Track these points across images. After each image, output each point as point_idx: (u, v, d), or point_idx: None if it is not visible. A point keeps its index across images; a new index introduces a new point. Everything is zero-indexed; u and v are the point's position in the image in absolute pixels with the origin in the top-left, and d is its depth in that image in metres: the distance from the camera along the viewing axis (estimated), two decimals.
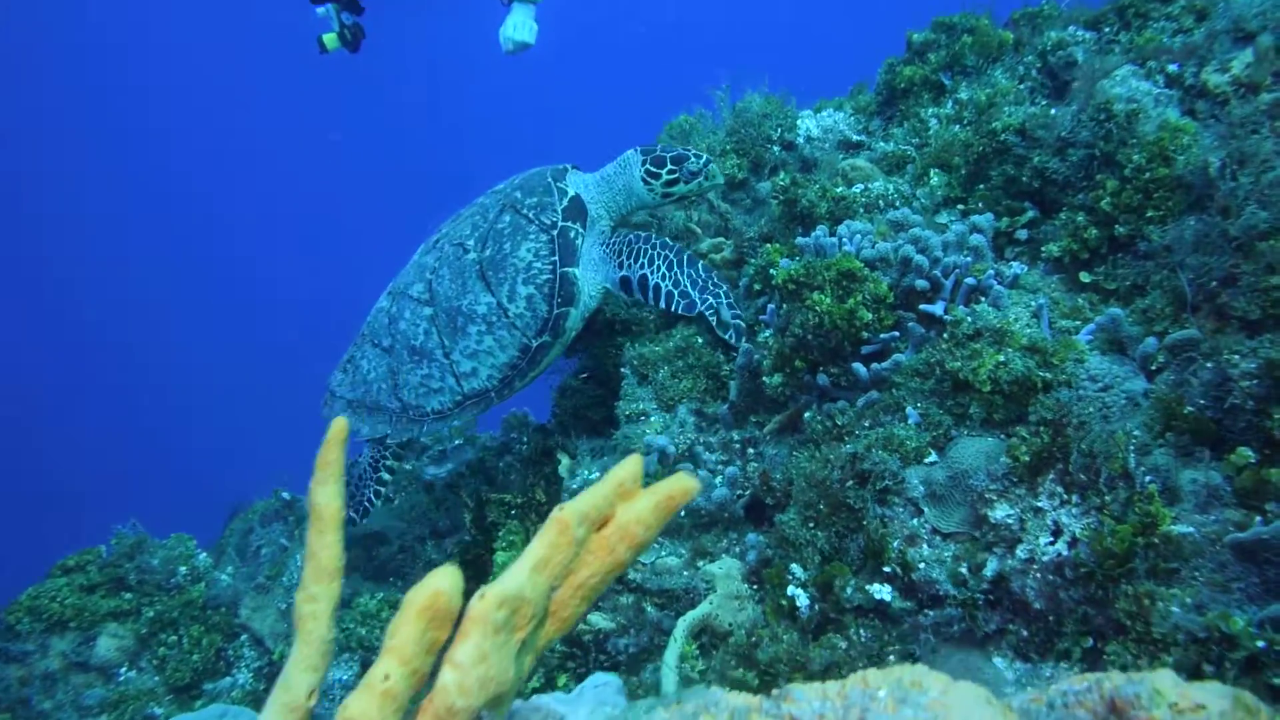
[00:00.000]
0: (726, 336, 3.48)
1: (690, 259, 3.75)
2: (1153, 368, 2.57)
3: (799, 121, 4.33)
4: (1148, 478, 2.27)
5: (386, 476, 4.54)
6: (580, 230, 3.96)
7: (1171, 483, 2.27)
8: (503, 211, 4.01)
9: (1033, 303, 2.88)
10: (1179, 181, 2.74)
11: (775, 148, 4.73)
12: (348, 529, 4.91)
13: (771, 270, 3.40)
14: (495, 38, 6.78)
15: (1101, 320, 2.68)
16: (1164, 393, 2.41)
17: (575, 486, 3.56)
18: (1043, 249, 3.05)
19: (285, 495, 6.22)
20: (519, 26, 6.53)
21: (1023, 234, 3.17)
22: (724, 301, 3.55)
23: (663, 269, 3.78)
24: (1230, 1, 3.29)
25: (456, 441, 7.65)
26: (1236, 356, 2.33)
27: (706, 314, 3.55)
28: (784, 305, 3.06)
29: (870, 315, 2.89)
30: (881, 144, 3.80)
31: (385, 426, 4.27)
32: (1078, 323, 2.79)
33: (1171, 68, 3.35)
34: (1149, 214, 2.78)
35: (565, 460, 3.67)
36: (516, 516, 3.69)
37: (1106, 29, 3.66)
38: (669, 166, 3.86)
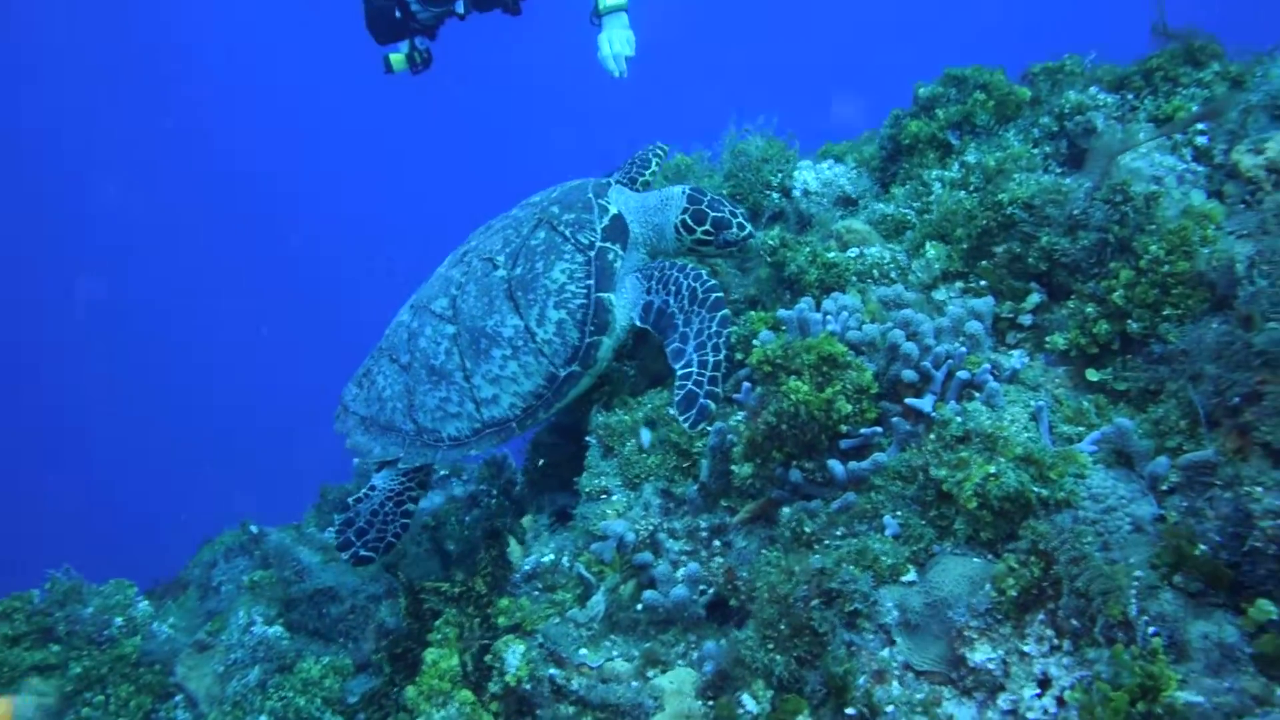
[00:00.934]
0: (680, 415, 3.15)
1: (716, 303, 3.40)
2: (1164, 488, 2.28)
3: (796, 173, 4.06)
4: (1151, 629, 1.97)
5: (412, 508, 4.13)
6: (620, 253, 3.66)
7: (1179, 636, 1.98)
8: (538, 227, 3.71)
9: (1032, 403, 2.59)
10: (1201, 278, 2.45)
11: (774, 194, 4.45)
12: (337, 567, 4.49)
13: (754, 341, 3.13)
14: (588, 58, 6.11)
15: (1108, 430, 2.39)
16: (1175, 527, 2.11)
17: (527, 569, 3.28)
18: (1047, 339, 2.76)
19: (253, 529, 5.97)
20: (620, 41, 5.83)
21: (1026, 319, 2.88)
22: (707, 374, 3.23)
23: (685, 300, 3.47)
24: (1269, 72, 3.00)
25: (441, 472, 7.40)
26: (1259, 489, 2.04)
27: (677, 380, 3.25)
28: (759, 387, 2.78)
29: (851, 407, 2.61)
30: (881, 205, 3.52)
31: (398, 449, 3.95)
32: (1081, 429, 2.50)
33: (1200, 140, 3.07)
34: (1166, 312, 2.49)
35: (514, 546, 3.39)
36: (455, 606, 3.41)
37: (1130, 94, 3.37)
38: (706, 227, 3.59)
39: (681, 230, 3.64)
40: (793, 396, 2.60)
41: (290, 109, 40.30)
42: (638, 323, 3.59)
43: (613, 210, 3.73)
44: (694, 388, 3.20)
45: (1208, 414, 2.30)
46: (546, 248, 3.64)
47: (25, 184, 33.73)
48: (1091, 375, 2.64)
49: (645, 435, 3.30)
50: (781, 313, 2.99)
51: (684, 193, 3.67)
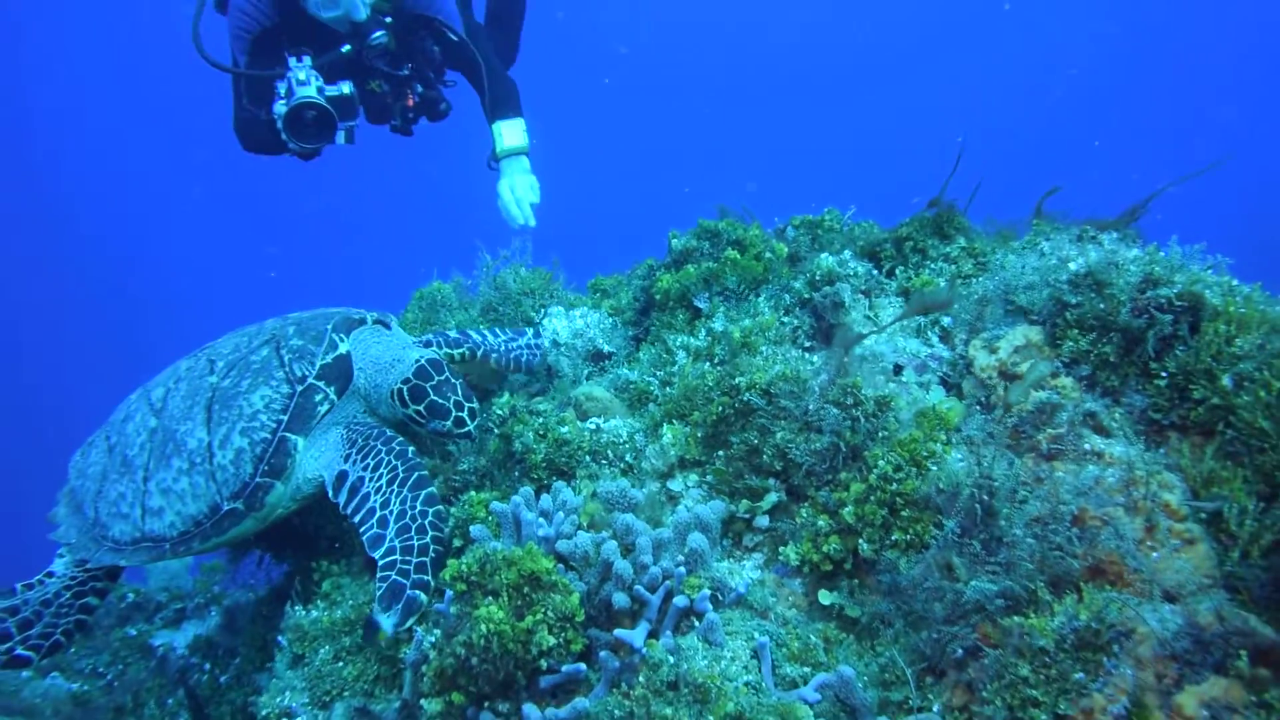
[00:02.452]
0: (383, 612, 2.67)
1: (419, 482, 2.99)
2: None
3: (546, 320, 3.74)
4: None
5: (94, 602, 3.53)
6: (330, 398, 3.26)
7: None
8: (267, 343, 3.35)
9: (756, 635, 2.28)
10: (929, 501, 2.23)
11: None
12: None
13: (471, 528, 2.73)
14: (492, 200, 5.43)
15: (829, 679, 2.10)
16: None
17: None
18: (781, 550, 2.49)
19: None
20: (524, 186, 5.26)
21: (763, 521, 2.60)
22: (413, 560, 2.79)
23: (382, 480, 3.04)
24: (1004, 261, 2.91)
25: (198, 599, 6.58)
26: None
27: (379, 571, 2.79)
28: (454, 607, 2.37)
29: (554, 640, 2.23)
30: (625, 371, 3.22)
31: (74, 533, 3.51)
32: (808, 670, 2.21)
33: (946, 320, 2.93)
34: (895, 536, 2.25)
35: None
36: None
37: (885, 261, 3.23)
38: (419, 408, 3.20)
39: (397, 400, 3.25)
40: (484, 627, 2.20)
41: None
42: (329, 488, 3.16)
43: (342, 349, 3.34)
44: (398, 578, 2.73)
45: (932, 664, 2.06)
46: (261, 368, 3.28)
47: None
48: (824, 598, 2.38)
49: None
50: (495, 505, 2.61)
51: (416, 361, 3.27)
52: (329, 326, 3.38)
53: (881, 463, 2.31)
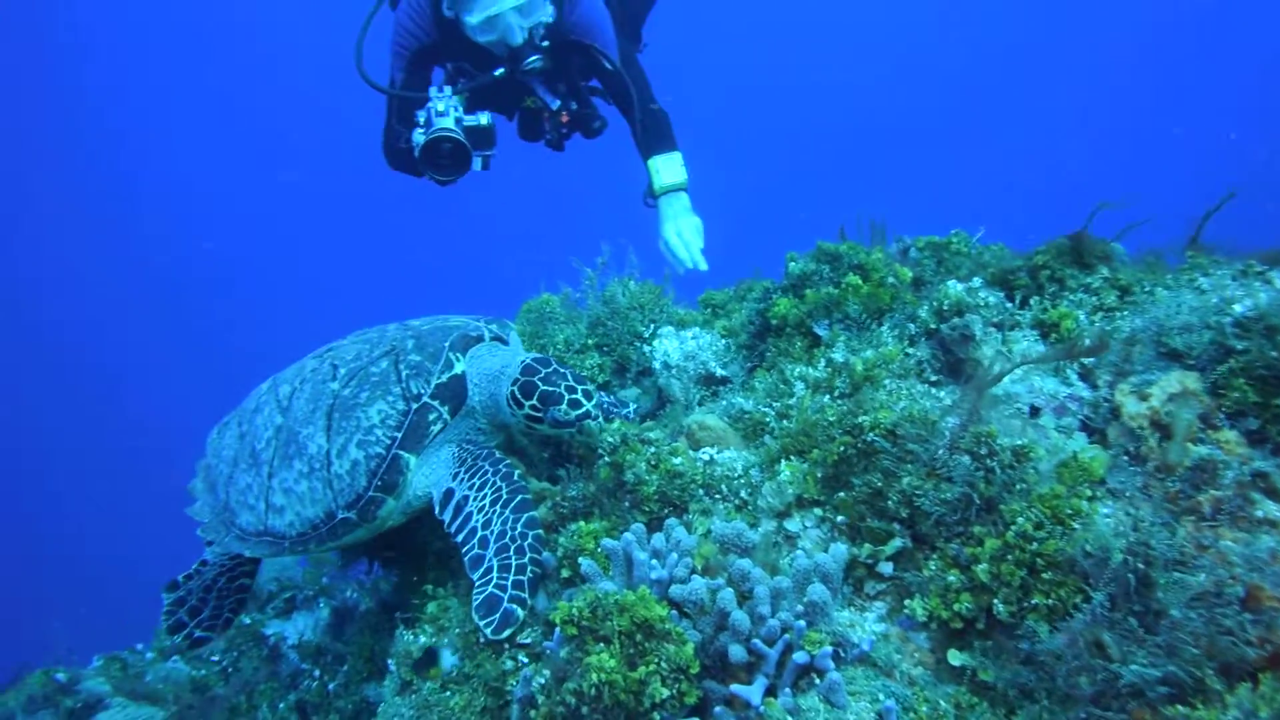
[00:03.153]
0: (481, 620, 2.68)
1: (521, 505, 2.98)
2: None
3: (656, 341, 3.65)
4: None
5: (247, 582, 3.92)
6: (444, 417, 3.27)
7: None
8: (386, 355, 3.39)
9: (881, 697, 2.16)
10: (1073, 565, 2.06)
11: (646, 346, 4.06)
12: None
13: (580, 560, 2.68)
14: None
15: None
16: None
17: None
18: (907, 603, 2.35)
19: (60, 676, 5.26)
20: (690, 230, 5.01)
21: (887, 568, 2.46)
22: (510, 577, 2.77)
23: (485, 500, 3.05)
24: (1155, 298, 2.70)
25: (308, 591, 6.75)
26: None
27: (476, 586, 2.79)
28: (564, 650, 2.31)
29: (667, 692, 2.15)
30: (740, 399, 3.11)
31: (207, 513, 3.70)
32: None
33: (1088, 359, 2.73)
34: (1035, 600, 2.09)
35: None
36: None
37: (1018, 290, 3.04)
38: (533, 402, 3.19)
39: (512, 403, 3.25)
40: (595, 676, 2.13)
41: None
42: (436, 505, 3.18)
43: (458, 369, 3.35)
44: (496, 591, 2.74)
45: None
46: (379, 381, 3.31)
47: None
48: (954, 659, 2.23)
49: (447, 658, 2.81)
50: (606, 543, 2.54)
51: (522, 362, 3.27)
52: (446, 344, 3.38)
53: (1020, 519, 2.15)
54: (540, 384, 3.18)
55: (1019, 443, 2.31)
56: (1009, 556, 2.14)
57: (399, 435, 3.21)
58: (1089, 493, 2.21)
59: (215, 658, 5.98)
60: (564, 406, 3.13)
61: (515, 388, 3.22)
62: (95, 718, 4.98)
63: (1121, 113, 37.06)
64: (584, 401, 3.15)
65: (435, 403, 3.27)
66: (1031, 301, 2.99)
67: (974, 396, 2.39)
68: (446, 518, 3.12)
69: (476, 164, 5.02)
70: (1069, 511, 2.13)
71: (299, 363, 3.79)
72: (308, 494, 3.29)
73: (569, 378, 3.20)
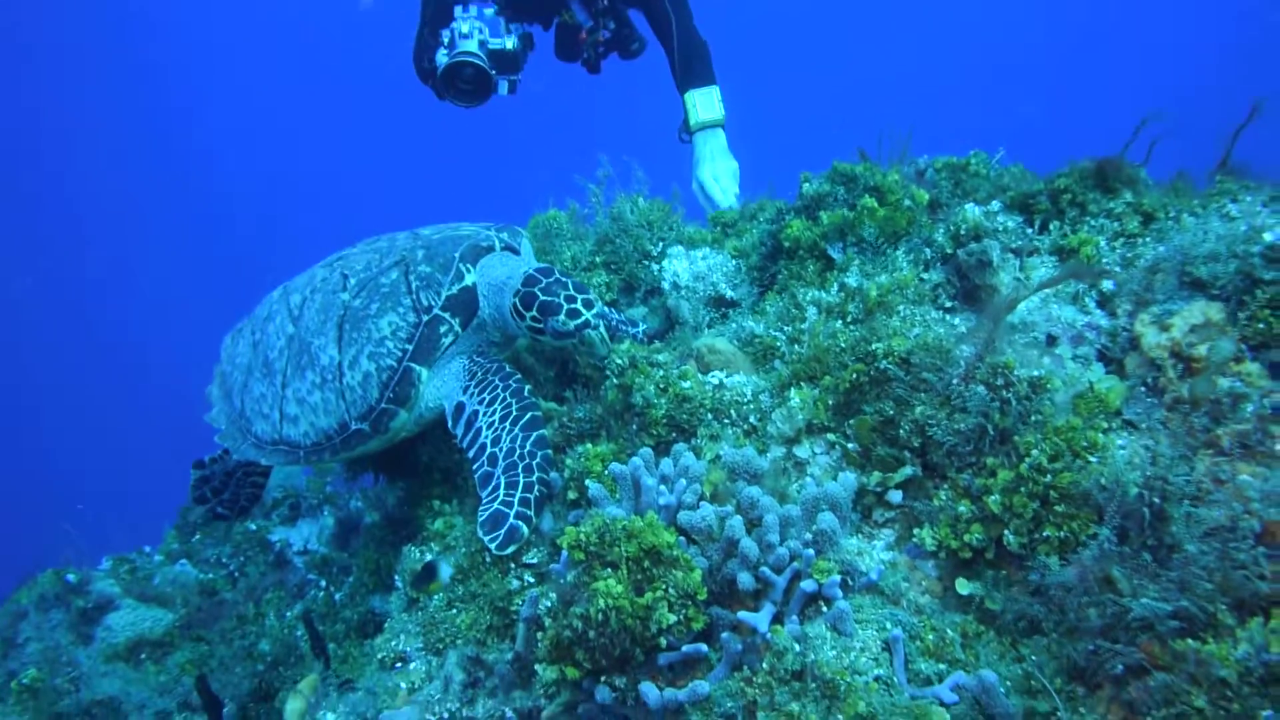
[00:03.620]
0: (486, 536, 2.71)
1: (531, 422, 3.00)
2: None
3: (666, 262, 3.58)
4: None
5: (260, 480, 4.25)
6: (455, 329, 3.27)
7: None
8: (396, 265, 3.36)
9: (888, 626, 2.16)
10: (1088, 498, 2.04)
11: (654, 265, 3.99)
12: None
13: (587, 482, 2.67)
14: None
15: (968, 682, 1.97)
16: None
17: None
18: (916, 532, 2.34)
19: (70, 577, 5.34)
20: (726, 174, 4.82)
21: (896, 495, 2.45)
22: (517, 494, 2.78)
23: (495, 416, 3.05)
24: (1181, 225, 2.62)
25: (312, 499, 6.83)
26: None
27: (483, 502, 2.81)
28: (570, 574, 2.31)
29: (674, 617, 2.15)
30: (751, 323, 3.05)
31: (224, 420, 3.83)
32: (943, 666, 2.08)
33: (1107, 284, 2.68)
34: (1047, 532, 2.08)
35: (294, 703, 2.87)
36: None
37: (1038, 215, 2.95)
38: (533, 313, 3.15)
39: (514, 315, 3.22)
40: (603, 601, 2.13)
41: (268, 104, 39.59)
42: (449, 418, 3.18)
43: (468, 281, 3.31)
44: (502, 507, 2.77)
45: (1085, 675, 1.91)
46: (390, 292, 3.29)
47: None
48: (962, 587, 2.23)
49: (445, 570, 2.83)
50: (614, 467, 2.52)
51: (525, 273, 3.22)
52: (457, 255, 3.33)
53: (1035, 452, 2.13)
54: (540, 294, 3.13)
55: (1036, 374, 2.26)
56: (1022, 488, 2.12)
57: (410, 348, 3.20)
58: (1105, 425, 2.18)
59: (224, 560, 6.09)
60: (562, 316, 3.09)
61: (516, 299, 3.18)
62: (106, 618, 5.07)
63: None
64: (583, 311, 3.10)
65: (446, 315, 3.24)
66: (1051, 226, 2.91)
67: (990, 325, 2.33)
68: (459, 431, 3.13)
69: (502, 87, 4.87)
70: (1085, 444, 2.11)
71: (309, 271, 3.75)
72: (321, 405, 3.31)
73: (569, 287, 3.14)
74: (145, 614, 5.13)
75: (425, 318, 3.22)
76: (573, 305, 3.10)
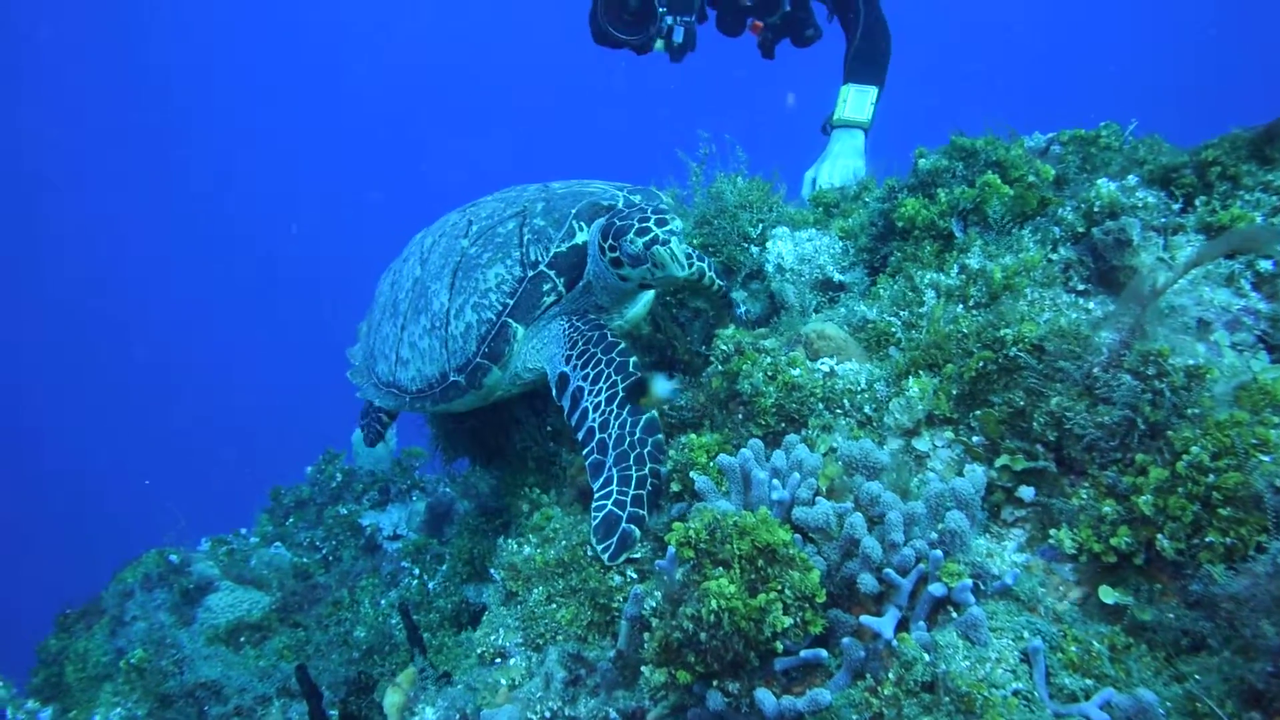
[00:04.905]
0: (599, 544, 2.61)
1: (637, 407, 2.86)
2: None
3: (770, 243, 3.42)
4: None
5: (384, 419, 4.29)
6: (559, 289, 3.14)
7: None
8: (515, 216, 3.26)
9: (1026, 635, 1.99)
10: (1258, 501, 1.84)
11: (754, 248, 3.84)
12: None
13: (693, 474, 2.55)
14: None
15: (1121, 701, 1.79)
16: None
17: None
18: (1052, 534, 2.16)
19: (173, 558, 5.46)
20: (845, 172, 4.55)
21: (1028, 492, 2.26)
22: (630, 492, 2.66)
23: (601, 397, 2.91)
24: None
25: (402, 484, 6.88)
26: None
27: (595, 500, 2.70)
28: (678, 572, 2.19)
29: (790, 620, 2.02)
30: (863, 307, 2.88)
31: (360, 356, 3.92)
32: (1090, 683, 1.91)
33: (1264, 263, 2.44)
34: (1210, 538, 1.88)
35: (393, 696, 2.82)
36: None
37: (1180, 191, 2.71)
38: (610, 242, 3.00)
39: (601, 255, 3.06)
40: (715, 602, 2.01)
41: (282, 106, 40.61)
42: (553, 388, 3.04)
43: (579, 239, 3.16)
44: (614, 509, 2.65)
45: (1262, 699, 1.71)
46: (503, 243, 3.19)
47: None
48: (1106, 595, 2.04)
49: (662, 385, 2.71)
50: (723, 459, 2.39)
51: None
52: (573, 212, 3.19)
53: (1195, 448, 1.92)
54: (616, 221, 2.98)
55: (1192, 362, 2.05)
56: (1179, 489, 1.92)
57: (510, 302, 3.10)
58: (1276, 420, 1.96)
59: (318, 544, 6.16)
60: (631, 235, 2.90)
61: (599, 237, 3.04)
62: (206, 599, 5.17)
63: None
64: (653, 227, 2.89)
65: (551, 273, 3.12)
66: (1197, 202, 2.67)
67: (1138, 308, 2.13)
68: (565, 405, 3.00)
69: (678, 34, 4.71)
70: (1253, 441, 1.89)
71: (446, 215, 3.73)
72: (428, 351, 3.27)
73: (647, 211, 2.96)
74: (243, 596, 5.22)
75: (530, 273, 3.11)
76: (644, 224, 2.90)
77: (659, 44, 4.97)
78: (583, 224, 3.16)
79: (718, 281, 3.53)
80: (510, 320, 3.09)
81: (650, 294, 3.37)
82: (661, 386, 2.68)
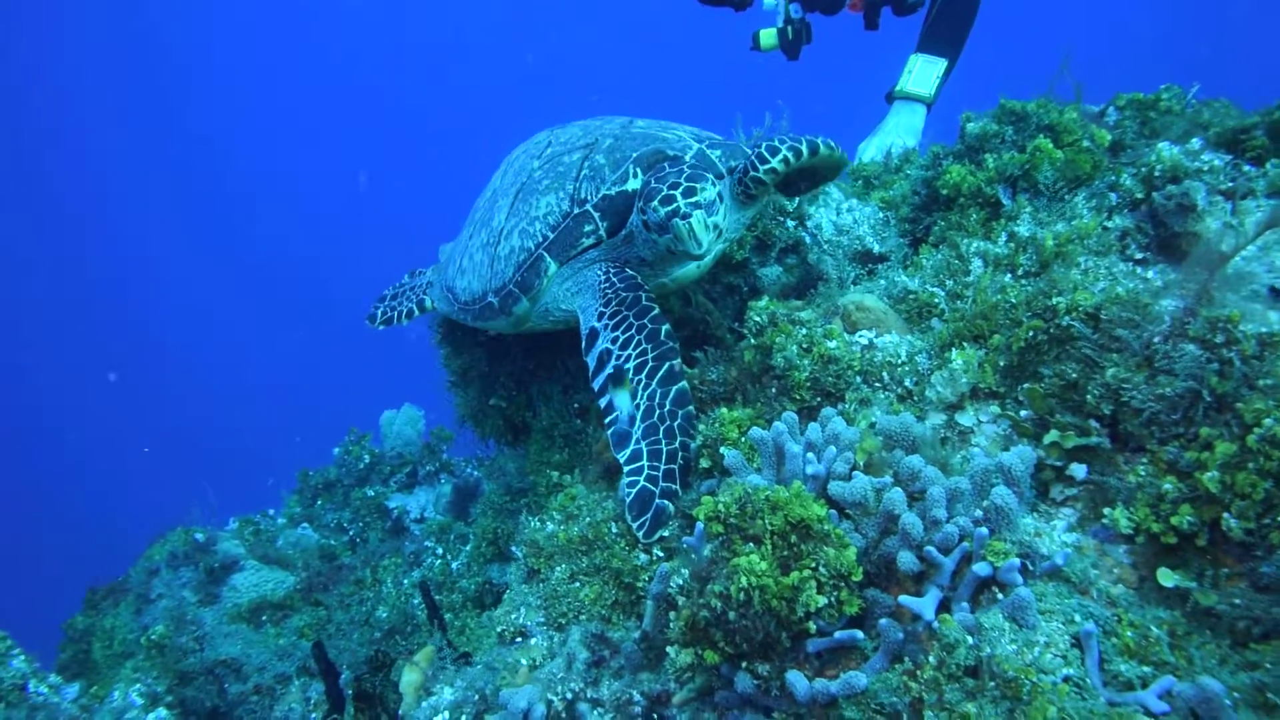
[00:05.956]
0: (633, 521, 2.50)
1: (669, 375, 2.69)
2: None
3: (813, 209, 3.29)
4: None
5: (427, 302, 4.07)
6: (600, 234, 3.03)
7: None
8: (584, 146, 3.17)
9: (1077, 618, 1.86)
10: None
11: (789, 221, 3.71)
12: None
13: (723, 449, 2.44)
14: None
15: (1184, 690, 1.66)
16: None
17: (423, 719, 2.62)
18: (1106, 512, 2.02)
19: (199, 536, 5.45)
20: (903, 138, 4.34)
21: (1080, 470, 2.12)
22: (661, 467, 2.55)
23: (630, 364, 2.77)
24: None
25: (428, 466, 6.84)
26: None
27: (626, 475, 2.59)
28: (707, 548, 2.08)
29: (824, 599, 1.90)
30: (904, 278, 2.75)
31: (446, 253, 3.99)
32: (1147, 670, 1.77)
33: None
34: None
35: (410, 675, 2.72)
36: None
37: (1249, 154, 2.55)
38: (641, 203, 2.88)
39: (639, 213, 2.93)
40: (745, 580, 1.90)
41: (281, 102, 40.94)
42: (583, 340, 2.92)
43: (631, 185, 3.00)
44: (647, 485, 2.53)
45: None
46: (563, 173, 3.12)
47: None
48: (1165, 578, 1.90)
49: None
50: (755, 433, 2.28)
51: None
52: (634, 155, 3.05)
53: (1268, 420, 1.78)
54: (653, 181, 2.85)
55: (1264, 330, 1.90)
56: (1249, 464, 1.78)
57: (551, 236, 3.04)
58: None
59: (345, 525, 6.13)
60: (655, 202, 2.77)
61: (637, 196, 2.95)
62: (232, 578, 5.14)
63: None
64: (679, 198, 2.74)
65: (596, 214, 3.01)
66: (1268, 165, 2.50)
67: (1204, 274, 1.98)
68: (591, 362, 2.88)
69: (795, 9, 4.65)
70: None
71: (539, 133, 3.70)
72: (478, 266, 3.27)
73: (679, 175, 2.81)
74: (268, 576, 5.19)
75: (576, 210, 3.03)
76: (673, 190, 2.76)
77: (773, 36, 4.85)
78: (639, 170, 3.02)
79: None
80: (545, 254, 3.03)
81: (710, 258, 3.07)
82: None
